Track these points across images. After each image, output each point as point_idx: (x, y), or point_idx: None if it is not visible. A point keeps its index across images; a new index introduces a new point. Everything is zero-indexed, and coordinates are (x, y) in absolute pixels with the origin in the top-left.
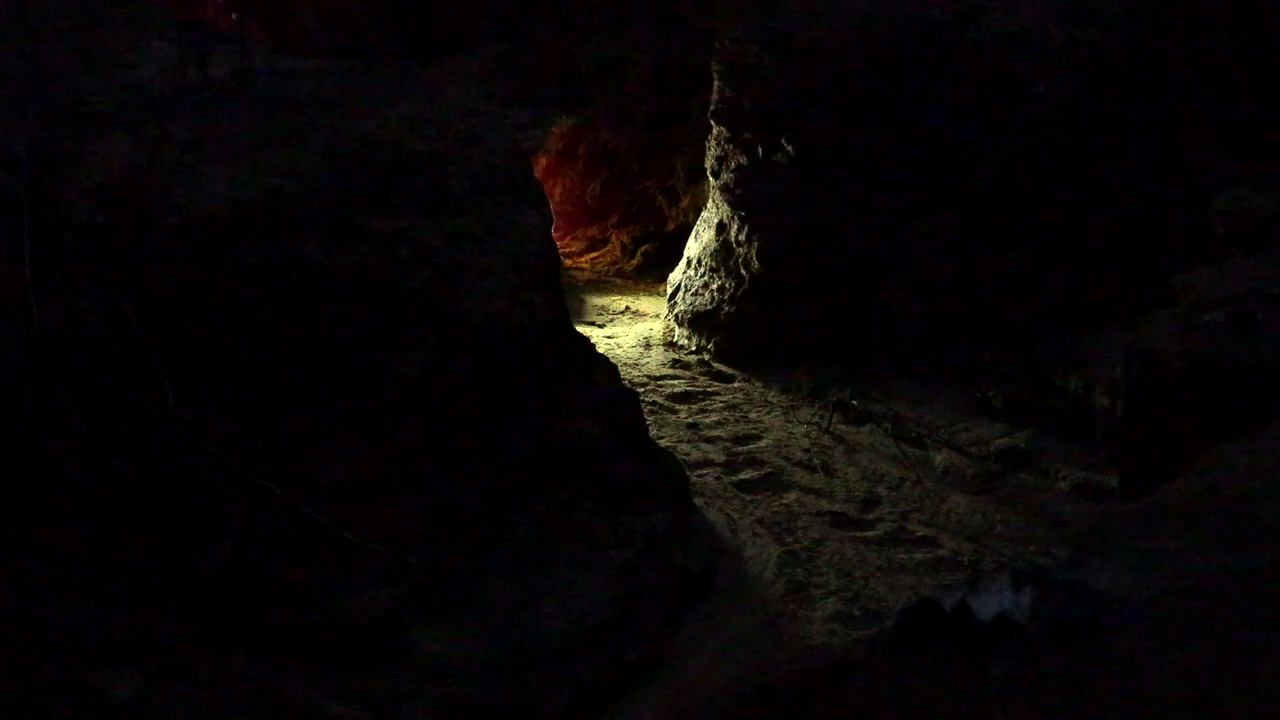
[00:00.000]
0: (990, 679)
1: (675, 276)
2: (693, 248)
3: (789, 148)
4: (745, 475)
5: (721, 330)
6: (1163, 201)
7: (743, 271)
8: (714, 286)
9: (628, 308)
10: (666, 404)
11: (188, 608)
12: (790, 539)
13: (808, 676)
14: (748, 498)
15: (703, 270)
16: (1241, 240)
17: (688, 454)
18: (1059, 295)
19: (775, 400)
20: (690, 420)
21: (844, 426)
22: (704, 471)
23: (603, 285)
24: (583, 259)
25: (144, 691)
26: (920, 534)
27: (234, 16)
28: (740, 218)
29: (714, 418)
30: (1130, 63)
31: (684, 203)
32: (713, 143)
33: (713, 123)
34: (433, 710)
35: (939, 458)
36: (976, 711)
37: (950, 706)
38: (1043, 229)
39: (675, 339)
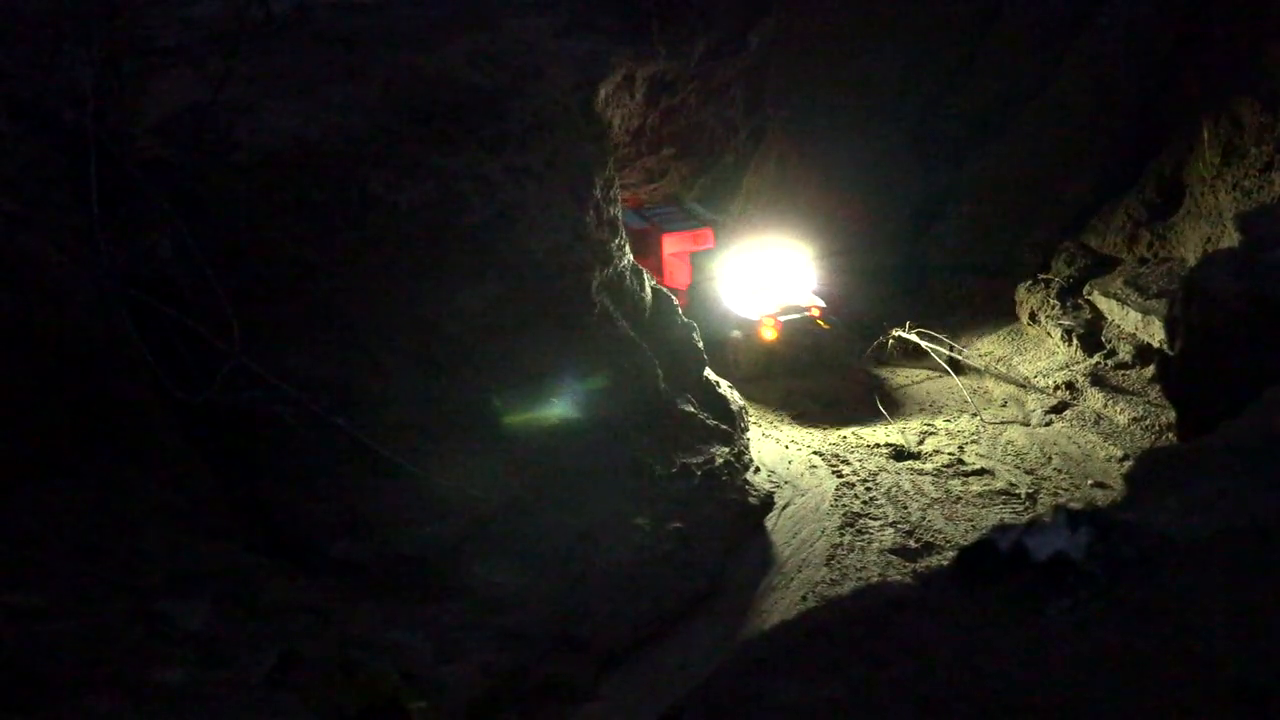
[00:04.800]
0: (1046, 618)
1: (735, 209)
2: (752, 181)
3: (849, 79)
4: (803, 407)
5: None
6: (1228, 136)
7: (803, 204)
8: (775, 219)
9: None
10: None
11: (253, 539)
12: (847, 470)
13: (863, 614)
14: (805, 430)
15: (762, 203)
16: None
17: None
18: (1119, 228)
19: (834, 332)
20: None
21: (902, 359)
22: (762, 404)
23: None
24: (641, 191)
25: (211, 621)
26: (977, 466)
27: None
28: (800, 150)
29: None
30: None
31: (743, 134)
32: (773, 73)
33: (774, 53)
34: (494, 641)
35: (997, 390)
36: (1032, 650)
37: (1006, 645)
38: (1103, 162)
39: None
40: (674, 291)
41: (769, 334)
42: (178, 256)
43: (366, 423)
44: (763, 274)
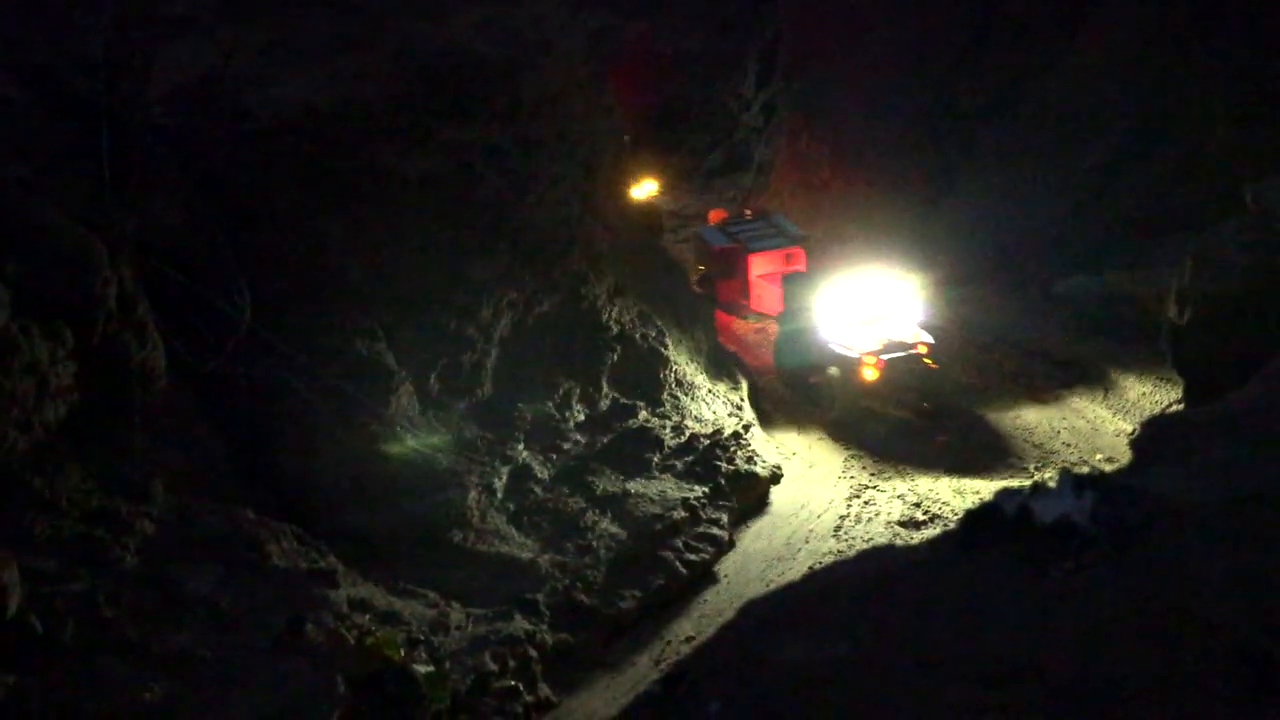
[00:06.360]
0: (1049, 580)
1: (747, 181)
2: (763, 153)
3: (862, 55)
4: (814, 380)
5: None
6: (1242, 109)
7: (814, 179)
8: (785, 194)
9: (698, 212)
10: None
11: (264, 506)
12: (856, 444)
13: (868, 576)
14: (816, 404)
15: (774, 177)
16: None
17: (756, 359)
18: (1131, 203)
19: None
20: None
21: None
22: (772, 376)
23: (673, 189)
24: (655, 163)
25: (220, 586)
26: (986, 440)
27: None
28: (812, 124)
29: None
30: None
31: (755, 109)
32: (786, 48)
33: (786, 28)
34: (504, 607)
35: (1008, 364)
36: (1034, 612)
37: (1009, 607)
38: (1117, 136)
39: None
40: (761, 317)
41: (870, 374)
42: (189, 225)
43: (376, 391)
44: (864, 304)
